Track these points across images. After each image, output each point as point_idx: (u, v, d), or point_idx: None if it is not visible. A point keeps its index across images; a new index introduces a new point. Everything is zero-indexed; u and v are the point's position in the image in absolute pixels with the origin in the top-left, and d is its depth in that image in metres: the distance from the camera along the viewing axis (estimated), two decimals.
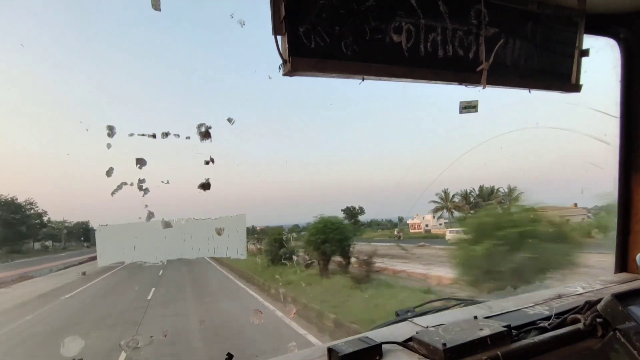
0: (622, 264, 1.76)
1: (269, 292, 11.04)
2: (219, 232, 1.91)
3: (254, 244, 17.91)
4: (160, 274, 16.58)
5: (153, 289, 13.07)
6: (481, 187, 39.31)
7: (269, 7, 1.01)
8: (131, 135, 1.88)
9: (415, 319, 1.26)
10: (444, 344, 0.93)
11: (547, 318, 1.17)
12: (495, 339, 0.97)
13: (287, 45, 1.01)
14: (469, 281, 7.22)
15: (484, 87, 1.30)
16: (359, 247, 12.67)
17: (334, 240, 11.72)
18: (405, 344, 1.04)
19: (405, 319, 1.30)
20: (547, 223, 6.89)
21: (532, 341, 1.01)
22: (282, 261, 13.05)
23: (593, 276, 1.74)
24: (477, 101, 1.43)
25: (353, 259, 11.94)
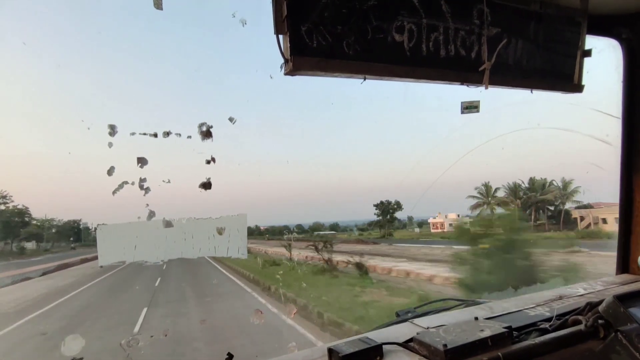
0: (624, 265, 1.75)
1: None
2: (220, 231, 1.91)
3: (315, 248, 15.64)
4: (156, 285, 13.03)
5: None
6: (532, 180, 34.82)
7: (271, 7, 1.01)
8: (132, 134, 1.88)
9: (416, 320, 1.26)
10: (445, 345, 0.93)
11: (548, 319, 1.16)
12: (496, 340, 0.97)
13: (288, 45, 1.01)
14: None
15: (486, 87, 1.30)
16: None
17: None
18: (406, 344, 1.03)
19: (405, 320, 1.29)
20: None
21: (533, 342, 1.00)
22: None
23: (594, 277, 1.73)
24: (479, 101, 1.43)
25: None
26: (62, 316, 9.58)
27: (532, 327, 1.13)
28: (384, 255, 20.08)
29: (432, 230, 40.71)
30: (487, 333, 0.99)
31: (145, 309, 9.36)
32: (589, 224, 27.71)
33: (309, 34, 1.02)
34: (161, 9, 1.07)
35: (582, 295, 1.47)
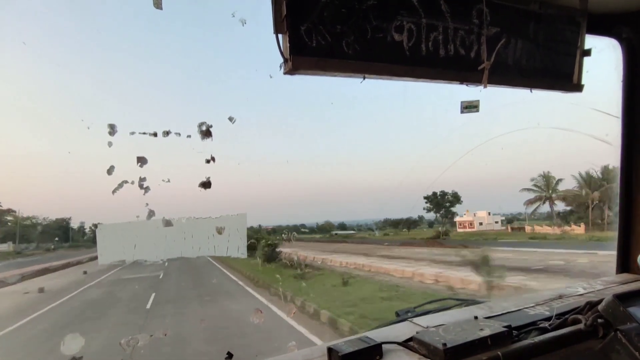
0: (624, 264, 1.75)
1: None
2: (220, 231, 1.91)
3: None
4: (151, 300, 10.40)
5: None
6: (605, 168, 25.93)
7: (271, 6, 1.01)
8: (132, 133, 1.88)
9: (416, 319, 1.26)
10: (445, 344, 0.93)
11: (548, 318, 1.16)
12: (495, 339, 0.97)
13: (288, 44, 1.01)
14: None
15: (485, 87, 1.30)
16: None
17: None
18: (406, 344, 1.03)
19: (405, 319, 1.29)
20: None
21: (533, 341, 1.00)
22: None
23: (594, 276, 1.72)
24: (479, 101, 1.43)
25: None
26: None
27: (531, 326, 1.13)
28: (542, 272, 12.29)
29: (459, 230, 37.12)
30: (486, 332, 0.99)
31: None
32: None
33: (309, 33, 1.02)
34: (161, 8, 1.07)
35: (581, 294, 1.47)
